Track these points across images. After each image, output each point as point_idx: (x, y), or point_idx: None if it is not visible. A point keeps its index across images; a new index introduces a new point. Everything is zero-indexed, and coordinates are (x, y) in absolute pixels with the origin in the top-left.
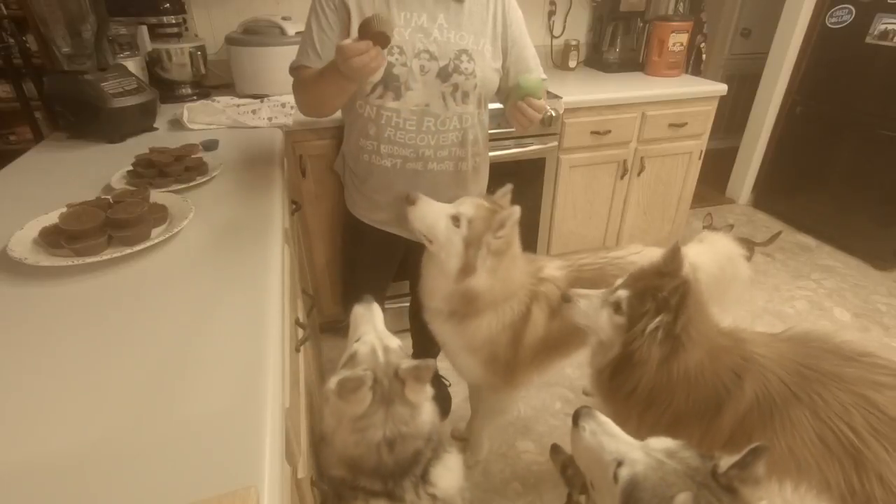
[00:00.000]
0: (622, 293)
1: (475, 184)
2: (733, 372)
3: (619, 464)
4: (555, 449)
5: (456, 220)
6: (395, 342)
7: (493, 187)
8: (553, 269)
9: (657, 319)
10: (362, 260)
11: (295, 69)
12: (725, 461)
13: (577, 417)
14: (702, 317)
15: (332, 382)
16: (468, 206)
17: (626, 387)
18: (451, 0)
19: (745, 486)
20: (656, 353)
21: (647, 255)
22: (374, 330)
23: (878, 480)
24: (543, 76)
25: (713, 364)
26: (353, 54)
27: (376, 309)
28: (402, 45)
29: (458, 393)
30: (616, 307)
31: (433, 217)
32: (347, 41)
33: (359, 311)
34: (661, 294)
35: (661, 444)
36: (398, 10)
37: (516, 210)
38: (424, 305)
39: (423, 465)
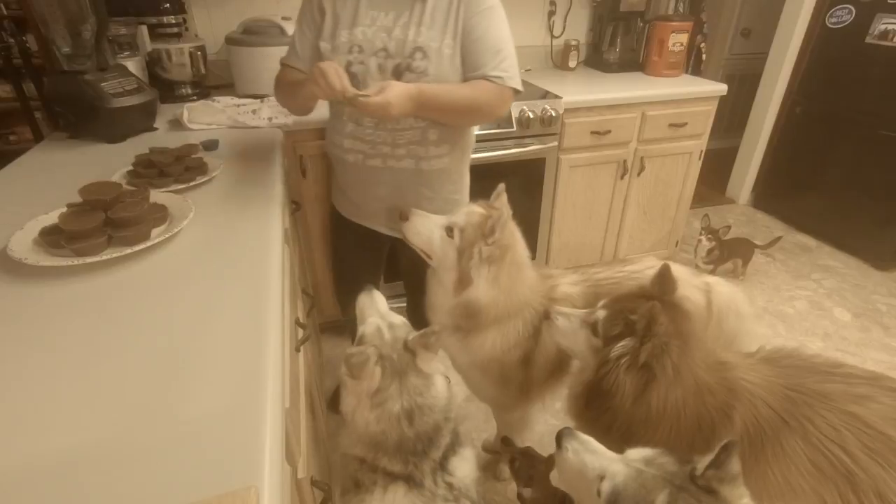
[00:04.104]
0: (601, 313)
1: (447, 186)
2: (721, 410)
3: (602, 478)
4: (505, 441)
5: (450, 230)
6: (398, 319)
7: (492, 188)
8: (568, 285)
9: (621, 344)
10: (346, 253)
11: (282, 65)
12: (702, 463)
13: (559, 439)
14: (686, 351)
15: (342, 364)
16: (460, 216)
17: (603, 420)
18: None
19: (724, 485)
20: (627, 384)
21: None
22: (377, 312)
23: (876, 497)
24: (495, 73)
25: (697, 404)
26: (318, 75)
27: (378, 295)
28: (363, 43)
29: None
30: (594, 328)
31: (427, 231)
32: (323, 64)
33: (362, 299)
34: (631, 317)
35: (639, 454)
36: (367, 10)
37: (503, 212)
38: (430, 321)
39: (443, 449)
